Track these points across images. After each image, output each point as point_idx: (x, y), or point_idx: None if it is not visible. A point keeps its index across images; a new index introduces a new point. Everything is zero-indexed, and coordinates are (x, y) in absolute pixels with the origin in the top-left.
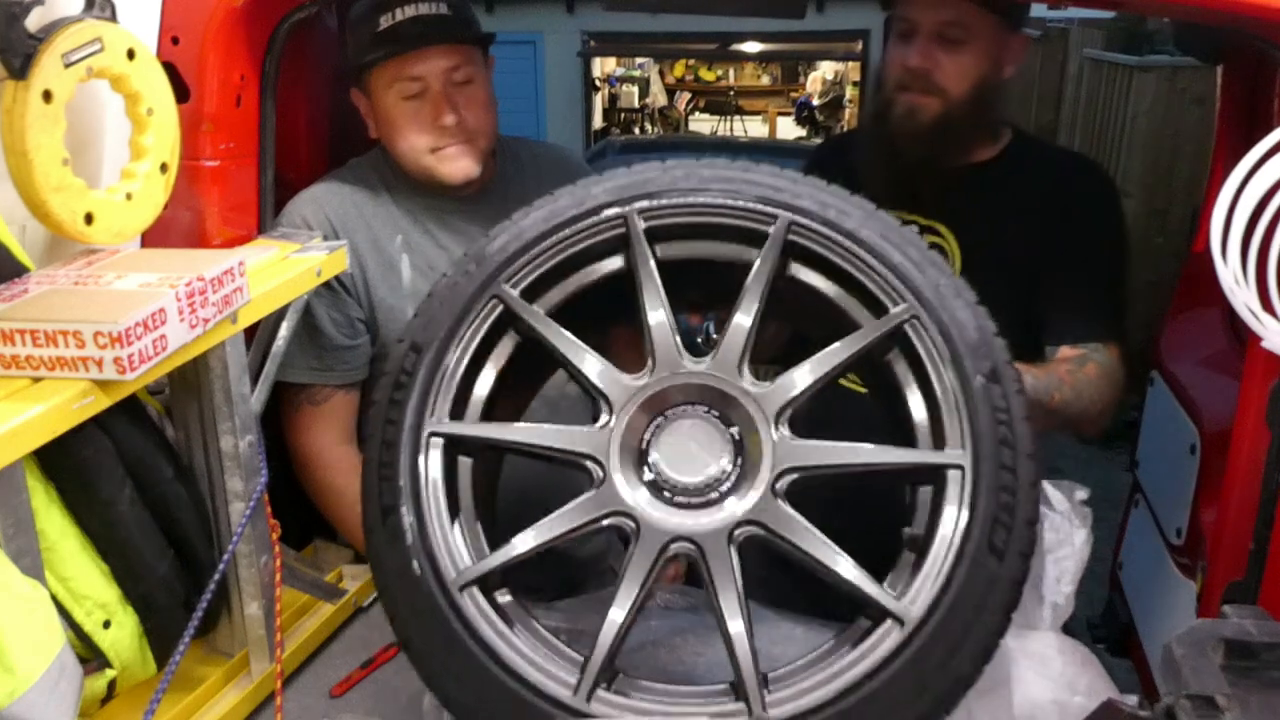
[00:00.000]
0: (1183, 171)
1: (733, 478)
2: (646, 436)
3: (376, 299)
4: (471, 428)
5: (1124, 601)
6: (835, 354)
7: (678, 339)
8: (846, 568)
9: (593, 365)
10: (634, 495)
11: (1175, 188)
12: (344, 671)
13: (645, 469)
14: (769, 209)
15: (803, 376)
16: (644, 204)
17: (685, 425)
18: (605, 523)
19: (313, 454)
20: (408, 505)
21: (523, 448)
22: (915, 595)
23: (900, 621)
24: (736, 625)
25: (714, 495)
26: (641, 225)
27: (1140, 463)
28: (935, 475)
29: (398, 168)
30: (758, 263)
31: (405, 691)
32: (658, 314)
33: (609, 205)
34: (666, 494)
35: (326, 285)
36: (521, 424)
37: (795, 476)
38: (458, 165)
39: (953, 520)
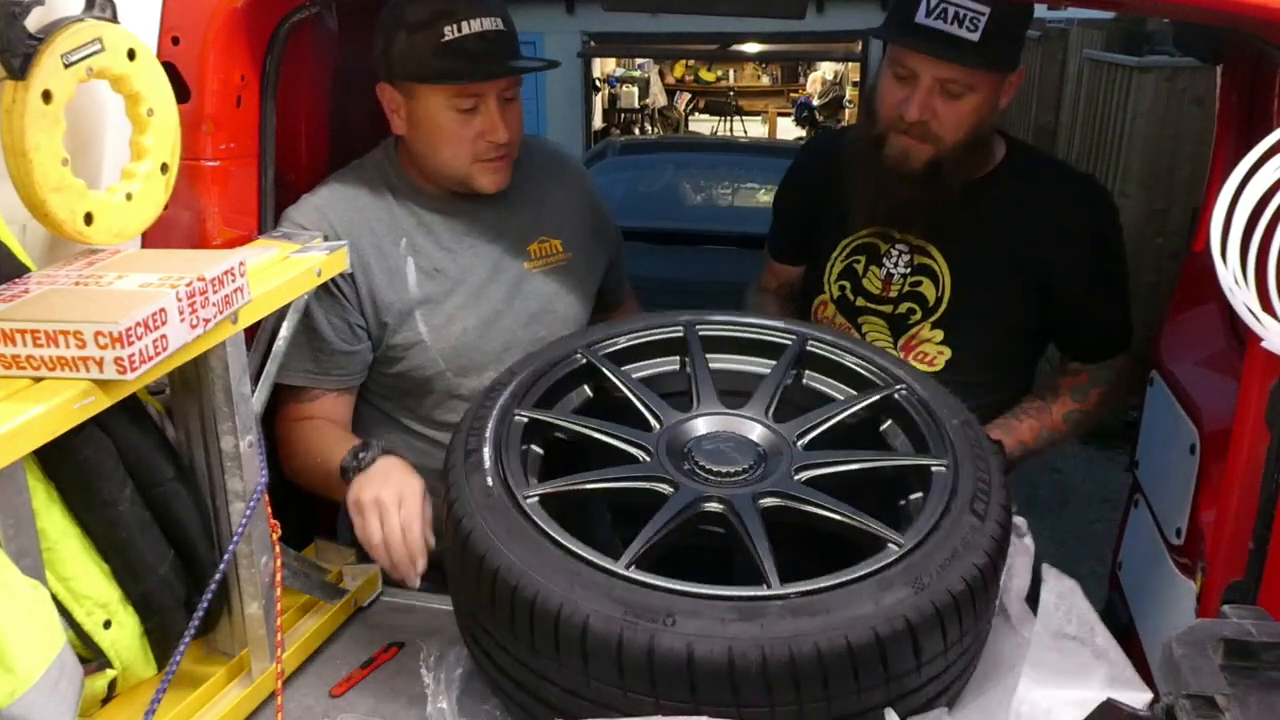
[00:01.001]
0: (1183, 171)
1: (758, 471)
2: (689, 445)
3: (383, 304)
4: (545, 414)
5: (1124, 601)
6: (842, 405)
7: (715, 392)
8: (851, 511)
9: (650, 395)
10: (674, 470)
11: (1175, 188)
12: (344, 671)
13: (685, 461)
14: (794, 330)
15: (815, 415)
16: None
17: (721, 438)
18: (646, 485)
19: (296, 431)
20: (488, 446)
21: (587, 429)
22: (910, 532)
23: (899, 545)
24: (759, 533)
25: (742, 480)
26: (698, 334)
27: (1140, 463)
28: (924, 475)
29: (403, 170)
30: (785, 351)
31: (405, 692)
32: (705, 378)
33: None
34: (701, 476)
35: (326, 290)
36: (587, 417)
37: (811, 474)
38: (496, 179)
39: (940, 493)
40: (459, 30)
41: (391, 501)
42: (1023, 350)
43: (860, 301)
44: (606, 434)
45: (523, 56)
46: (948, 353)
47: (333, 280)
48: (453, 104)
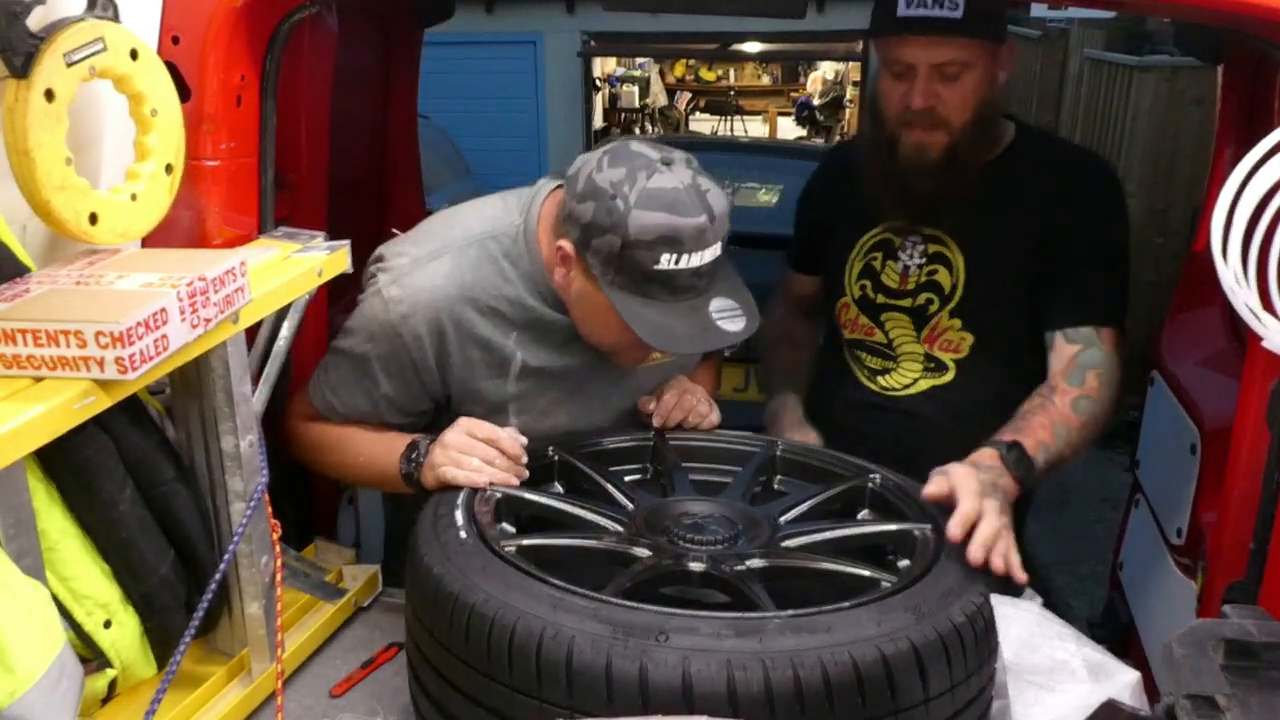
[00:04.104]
0: (1183, 171)
1: (739, 543)
2: (667, 522)
3: (475, 395)
4: (515, 490)
5: (1124, 601)
6: (820, 489)
7: (688, 481)
8: (837, 561)
9: (623, 482)
10: (653, 536)
11: (1175, 188)
12: (344, 671)
13: (664, 535)
14: (761, 439)
15: (794, 498)
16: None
17: (699, 515)
18: (625, 547)
19: (318, 429)
20: (460, 511)
21: (561, 504)
22: (903, 575)
23: (891, 581)
24: (749, 577)
25: (723, 548)
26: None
27: (1140, 463)
28: (908, 541)
29: (542, 265)
30: (756, 454)
31: (405, 691)
32: (679, 472)
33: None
34: (682, 546)
35: (402, 377)
36: (562, 497)
37: (797, 541)
38: (638, 364)
39: (927, 548)
40: (676, 263)
41: (462, 443)
42: (1039, 334)
43: (881, 298)
44: (582, 507)
45: (724, 278)
46: (970, 338)
47: (415, 367)
48: (625, 329)
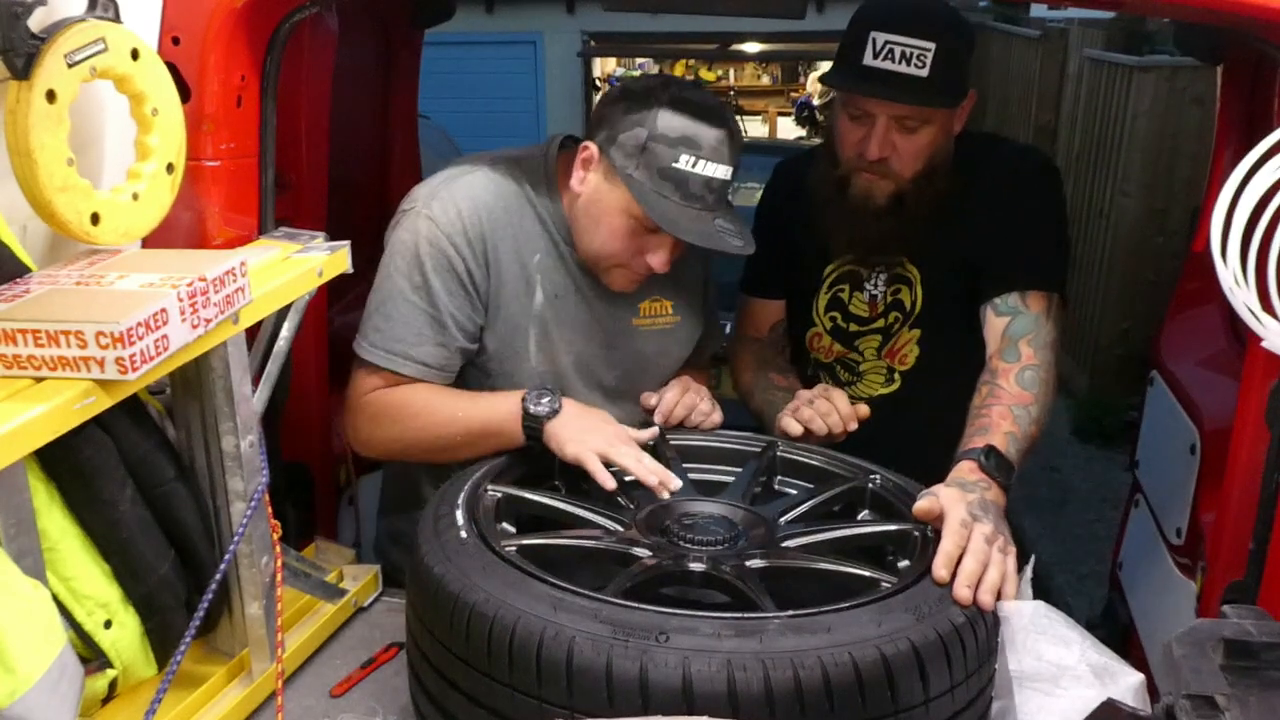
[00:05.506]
0: (1183, 171)
1: (739, 543)
2: (667, 522)
3: (506, 312)
4: (514, 490)
5: (1124, 601)
6: (821, 489)
7: (689, 483)
8: (837, 561)
9: (626, 485)
10: (653, 536)
11: (1175, 188)
12: (344, 671)
13: (664, 535)
14: (762, 439)
15: (795, 498)
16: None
17: (699, 516)
18: (625, 547)
19: (393, 398)
20: (460, 511)
21: (561, 503)
22: (903, 575)
23: (891, 582)
24: (749, 575)
25: (723, 549)
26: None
27: (1140, 463)
28: (908, 541)
29: (559, 192)
30: (757, 453)
31: (405, 691)
32: (679, 471)
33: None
34: (682, 546)
35: (460, 284)
36: (562, 497)
37: (797, 541)
38: (626, 286)
39: (926, 548)
40: (694, 166)
41: (627, 439)
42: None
43: (853, 327)
44: (582, 507)
45: (728, 208)
46: (917, 350)
47: (469, 274)
48: (638, 229)
